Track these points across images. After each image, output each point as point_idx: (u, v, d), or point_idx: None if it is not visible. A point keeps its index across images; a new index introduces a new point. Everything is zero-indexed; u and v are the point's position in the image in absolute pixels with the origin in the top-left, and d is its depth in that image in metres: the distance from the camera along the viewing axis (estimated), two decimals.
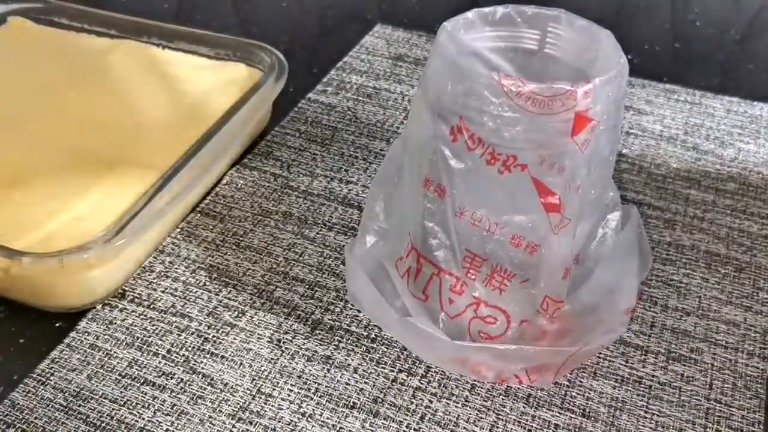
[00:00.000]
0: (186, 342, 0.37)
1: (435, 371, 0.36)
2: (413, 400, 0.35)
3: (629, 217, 0.37)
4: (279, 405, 0.35)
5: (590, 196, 0.33)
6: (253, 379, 0.36)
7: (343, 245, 0.42)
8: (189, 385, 0.35)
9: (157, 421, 0.34)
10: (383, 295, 0.35)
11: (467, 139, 0.30)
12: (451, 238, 0.33)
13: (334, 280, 0.40)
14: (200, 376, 0.36)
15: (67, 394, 0.35)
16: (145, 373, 0.36)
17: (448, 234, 0.33)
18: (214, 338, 0.37)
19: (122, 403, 0.35)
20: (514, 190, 0.31)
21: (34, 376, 0.36)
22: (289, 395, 0.35)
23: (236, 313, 0.39)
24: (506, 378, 0.35)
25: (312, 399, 0.35)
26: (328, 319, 0.38)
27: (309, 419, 0.34)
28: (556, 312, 0.33)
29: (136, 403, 0.35)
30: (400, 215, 0.35)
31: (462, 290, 0.34)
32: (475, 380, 0.35)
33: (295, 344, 0.37)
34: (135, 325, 0.38)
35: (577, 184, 0.31)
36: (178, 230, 0.43)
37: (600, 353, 0.37)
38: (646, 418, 0.34)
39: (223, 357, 0.37)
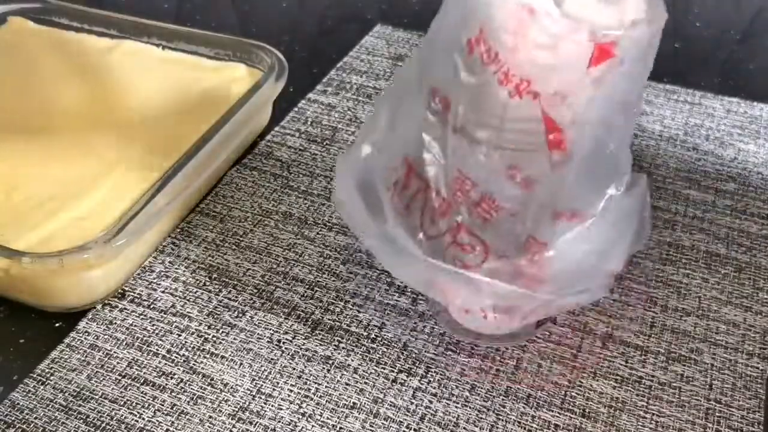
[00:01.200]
0: (186, 342, 0.37)
1: (435, 371, 0.36)
2: (413, 401, 0.35)
3: (636, 184, 0.35)
4: (279, 405, 0.35)
5: (604, 148, 0.31)
6: (253, 380, 0.36)
7: (343, 245, 0.42)
8: (189, 385, 0.35)
9: (157, 421, 0.34)
10: (367, 206, 0.33)
11: (483, 52, 0.29)
12: (445, 154, 0.31)
13: (334, 280, 0.40)
14: (200, 376, 0.36)
15: (67, 394, 0.35)
16: (145, 373, 0.36)
17: (443, 150, 0.31)
18: (214, 338, 0.37)
19: (122, 403, 0.35)
20: (522, 118, 0.29)
21: (34, 376, 0.36)
22: (289, 395, 0.35)
23: (236, 313, 0.39)
24: (472, 309, 0.33)
25: (312, 399, 0.35)
26: (328, 320, 0.38)
27: (309, 419, 0.34)
28: (538, 255, 0.32)
29: (136, 403, 0.35)
30: (400, 127, 0.34)
31: (446, 212, 0.32)
32: (475, 381, 0.35)
33: (295, 344, 0.37)
34: (135, 325, 0.38)
35: (582, 122, 0.29)
36: (178, 230, 0.43)
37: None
38: (646, 418, 0.34)
39: (223, 357, 0.37)
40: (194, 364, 0.36)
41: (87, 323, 0.38)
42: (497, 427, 0.34)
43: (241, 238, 0.43)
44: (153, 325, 0.38)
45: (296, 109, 0.53)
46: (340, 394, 0.35)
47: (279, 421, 0.34)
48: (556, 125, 0.29)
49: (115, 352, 0.37)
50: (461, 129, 0.31)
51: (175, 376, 0.36)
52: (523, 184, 0.31)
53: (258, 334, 0.38)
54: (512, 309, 0.33)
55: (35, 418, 0.34)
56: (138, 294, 0.40)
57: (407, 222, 0.33)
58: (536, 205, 0.31)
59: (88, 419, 0.34)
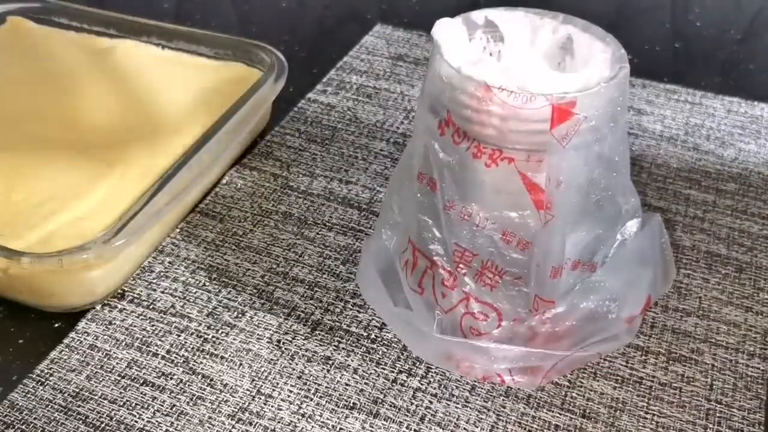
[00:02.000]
0: (185, 342, 0.37)
1: (435, 372, 0.36)
2: (413, 401, 0.35)
3: (648, 226, 0.37)
4: (279, 406, 0.35)
5: (591, 199, 0.33)
6: (253, 380, 0.36)
7: (343, 245, 0.42)
8: (188, 385, 0.35)
9: (157, 421, 0.34)
10: (390, 288, 0.35)
11: (453, 132, 0.31)
12: (442, 231, 0.33)
13: (333, 281, 0.40)
14: (200, 376, 0.36)
15: (66, 395, 0.35)
16: (144, 373, 0.36)
17: (439, 227, 0.33)
18: (214, 339, 0.37)
19: (122, 403, 0.35)
20: (503, 184, 0.31)
21: (34, 376, 0.36)
22: (288, 396, 0.35)
23: (236, 313, 0.39)
24: (490, 376, 0.34)
25: (312, 400, 0.35)
26: (328, 320, 0.38)
27: (309, 420, 0.34)
28: (547, 313, 0.33)
29: (136, 404, 0.35)
30: (403, 212, 0.36)
31: (454, 285, 0.34)
32: (475, 381, 0.35)
33: (295, 345, 0.37)
34: (134, 326, 0.38)
35: (559, 180, 0.30)
36: (178, 230, 0.43)
37: (600, 353, 0.36)
38: (646, 418, 0.34)
39: (222, 357, 0.37)
40: (194, 365, 0.36)
41: (86, 323, 0.38)
42: (497, 428, 0.34)
43: (240, 239, 0.43)
44: (152, 325, 0.38)
45: (296, 108, 0.53)
46: (340, 395, 0.35)
47: (279, 422, 0.34)
48: (538, 186, 0.31)
49: (114, 353, 0.37)
50: (451, 205, 0.32)
51: (175, 377, 0.36)
52: (519, 246, 0.32)
53: (258, 334, 0.38)
54: (533, 369, 0.34)
55: (34, 418, 0.34)
56: (137, 294, 0.40)
57: (424, 299, 0.35)
58: (535, 264, 0.32)
59: (87, 420, 0.34)
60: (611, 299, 0.34)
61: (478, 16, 0.34)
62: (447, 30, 0.32)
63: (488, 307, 0.34)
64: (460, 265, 0.33)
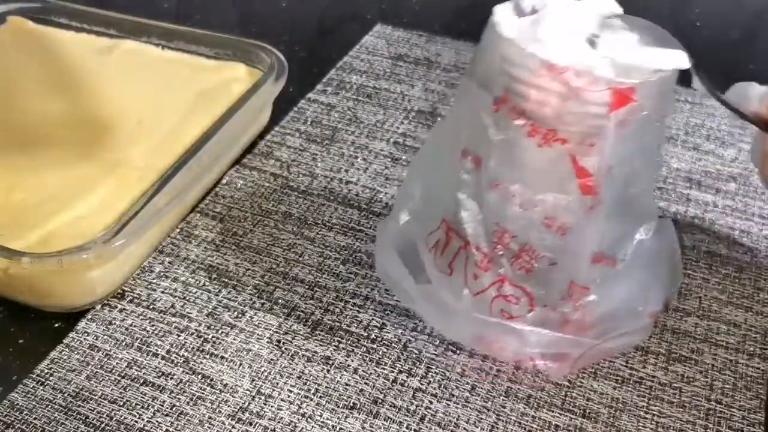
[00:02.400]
0: (185, 342, 0.37)
1: (435, 372, 0.36)
2: (413, 401, 0.35)
3: (662, 229, 0.37)
4: (279, 406, 0.35)
5: (630, 191, 0.32)
6: (253, 380, 0.36)
7: (343, 245, 0.42)
8: (188, 385, 0.35)
9: (157, 421, 0.34)
10: (410, 271, 0.35)
11: (510, 109, 0.30)
12: (482, 211, 0.32)
13: (334, 281, 0.40)
14: (200, 376, 0.36)
15: (66, 395, 0.35)
16: (144, 373, 0.36)
17: (480, 206, 0.33)
18: (214, 339, 0.37)
19: (122, 403, 0.35)
20: (553, 166, 0.31)
21: (34, 376, 0.36)
22: (288, 396, 0.35)
23: (236, 313, 0.39)
24: (522, 359, 0.34)
25: (312, 400, 0.35)
26: (328, 320, 0.38)
27: (309, 420, 0.34)
28: (582, 300, 0.33)
29: (136, 404, 0.35)
30: (436, 192, 0.35)
31: (488, 267, 0.33)
32: (475, 381, 0.35)
33: (295, 345, 0.37)
34: (134, 326, 0.38)
35: (609, 165, 0.30)
36: (178, 230, 0.43)
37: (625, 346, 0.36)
38: (646, 418, 0.34)
39: (222, 357, 0.37)
40: (194, 365, 0.36)
41: (86, 323, 0.38)
42: (497, 428, 0.34)
43: (240, 239, 0.43)
44: (152, 325, 0.38)
45: (296, 108, 0.53)
46: (340, 395, 0.35)
47: (279, 422, 0.34)
48: (586, 171, 0.30)
49: (114, 353, 0.37)
50: (495, 184, 0.32)
51: (175, 377, 0.36)
52: (559, 231, 0.32)
53: (258, 334, 0.38)
54: (562, 356, 0.34)
55: (34, 418, 0.34)
56: (137, 294, 0.40)
57: (450, 281, 0.34)
58: (573, 250, 0.32)
59: (87, 420, 0.34)
60: (636, 293, 0.34)
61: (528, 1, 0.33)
62: (505, 11, 0.32)
63: (521, 291, 0.33)
64: (498, 246, 0.33)
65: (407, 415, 0.34)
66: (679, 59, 0.30)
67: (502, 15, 0.32)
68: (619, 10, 0.33)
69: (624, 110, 0.29)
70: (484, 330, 0.34)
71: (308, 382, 0.35)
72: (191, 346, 0.37)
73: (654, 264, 0.35)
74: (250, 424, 0.34)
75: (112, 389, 0.35)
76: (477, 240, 0.33)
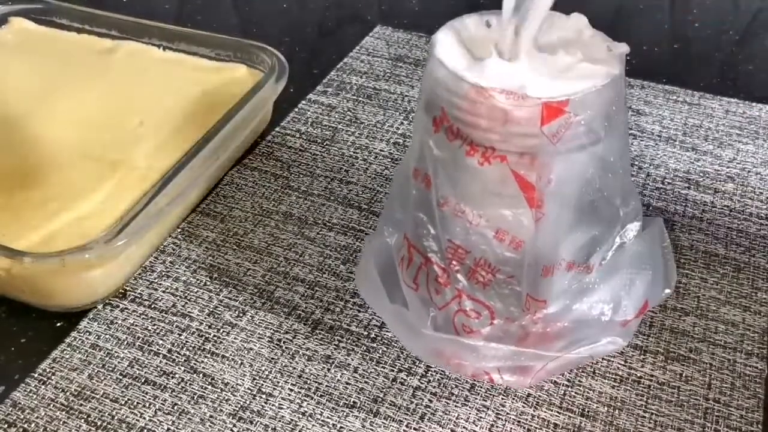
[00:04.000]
0: (187, 341, 0.37)
1: (435, 371, 0.36)
2: (413, 400, 0.35)
3: (648, 228, 0.37)
4: (279, 404, 0.35)
5: (586, 199, 0.33)
6: (254, 379, 0.36)
7: (343, 245, 0.42)
8: (190, 384, 0.36)
9: (158, 420, 0.34)
10: (388, 285, 0.35)
11: (447, 129, 0.31)
12: (436, 227, 0.33)
13: (334, 280, 0.40)
14: (201, 375, 0.36)
15: (68, 394, 0.35)
16: (146, 372, 0.36)
17: (433, 224, 0.33)
18: (215, 338, 0.38)
19: (123, 402, 0.35)
20: (497, 182, 0.31)
21: (36, 375, 0.36)
22: (289, 395, 0.35)
23: (237, 312, 0.39)
24: (479, 375, 0.34)
25: (312, 398, 0.35)
26: (329, 319, 0.38)
27: (309, 418, 0.34)
28: (539, 313, 0.33)
29: (137, 403, 0.35)
30: (403, 206, 0.36)
31: (447, 282, 0.34)
32: (475, 380, 0.36)
33: (296, 344, 0.37)
34: (136, 325, 0.38)
35: (550, 178, 0.31)
36: (179, 230, 0.43)
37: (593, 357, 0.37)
38: (645, 417, 0.34)
39: (223, 356, 0.37)
40: (195, 364, 0.36)
41: (88, 323, 0.38)
42: (497, 426, 0.34)
43: (241, 238, 0.43)
44: (154, 324, 0.38)
45: (296, 109, 0.53)
46: (340, 394, 0.35)
47: (279, 420, 0.34)
48: (531, 185, 0.31)
49: (116, 352, 0.37)
50: (443, 202, 0.32)
51: (176, 376, 0.36)
52: (512, 245, 0.32)
53: (258, 333, 0.38)
54: (523, 369, 0.34)
55: (37, 417, 0.34)
56: (139, 294, 0.40)
57: (419, 295, 0.35)
58: (527, 264, 0.32)
59: (89, 418, 0.34)
60: (605, 302, 0.34)
61: (476, 18, 0.34)
62: (446, 32, 0.33)
63: (480, 305, 0.34)
64: (453, 262, 0.33)
65: (407, 414, 0.34)
66: (610, 69, 0.31)
67: (443, 35, 0.32)
68: (581, 20, 0.34)
69: (556, 123, 0.30)
70: (441, 346, 0.34)
71: (309, 381, 0.36)
72: (192, 345, 0.37)
73: (634, 268, 0.35)
74: (251, 422, 0.34)
75: (113, 388, 0.35)
76: (435, 256, 0.34)
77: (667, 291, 0.37)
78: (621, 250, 0.35)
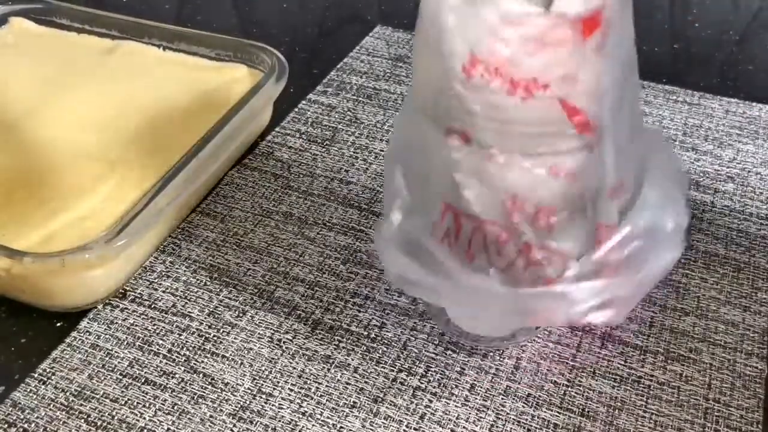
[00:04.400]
0: (187, 341, 0.37)
1: (435, 371, 0.36)
2: (413, 400, 0.35)
3: (656, 137, 0.35)
4: (279, 404, 0.35)
5: (624, 111, 0.31)
6: (254, 379, 0.36)
7: (343, 245, 0.42)
8: (190, 384, 0.36)
9: (158, 420, 0.34)
10: (425, 270, 0.33)
11: (482, 72, 0.29)
12: (485, 184, 0.31)
13: (334, 280, 0.40)
14: (201, 375, 0.36)
15: (68, 394, 0.35)
16: (146, 372, 0.36)
17: (481, 181, 0.31)
18: (215, 338, 0.38)
19: (123, 402, 0.35)
20: (542, 116, 0.29)
21: (36, 375, 0.36)
22: (289, 395, 0.35)
23: (237, 312, 0.39)
24: (575, 320, 0.32)
25: (312, 398, 0.35)
26: (329, 319, 0.39)
27: (309, 418, 0.34)
28: (612, 238, 0.31)
29: (137, 403, 0.35)
30: (425, 179, 0.33)
31: (509, 238, 0.31)
32: (474, 380, 0.36)
33: (296, 344, 0.37)
34: (136, 325, 0.38)
35: (602, 94, 0.29)
36: (179, 230, 0.43)
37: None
38: (644, 417, 0.34)
39: (223, 356, 0.37)
40: (195, 364, 0.36)
41: (88, 323, 0.38)
42: (497, 426, 0.34)
43: (241, 238, 0.43)
44: (154, 324, 0.38)
45: (297, 109, 0.53)
46: (340, 394, 0.35)
47: (279, 421, 0.34)
48: (577, 108, 0.29)
49: (116, 352, 0.37)
50: (491, 153, 0.30)
51: (176, 376, 0.36)
52: (568, 178, 0.30)
53: (258, 333, 0.38)
54: (611, 302, 0.32)
55: (37, 417, 0.34)
56: (139, 294, 0.40)
57: (475, 266, 0.33)
58: (589, 192, 0.31)
59: (89, 419, 0.34)
60: (663, 210, 0.33)
61: None
62: None
63: (551, 251, 0.32)
64: (514, 214, 0.31)
65: (407, 414, 0.34)
66: None
67: None
68: None
69: (596, 34, 0.28)
70: (527, 303, 0.32)
71: (309, 381, 0.36)
72: (192, 345, 0.37)
73: (663, 174, 0.34)
74: (251, 422, 0.34)
75: (113, 388, 0.35)
76: (489, 215, 0.31)
77: (685, 190, 0.35)
78: (642, 161, 0.34)
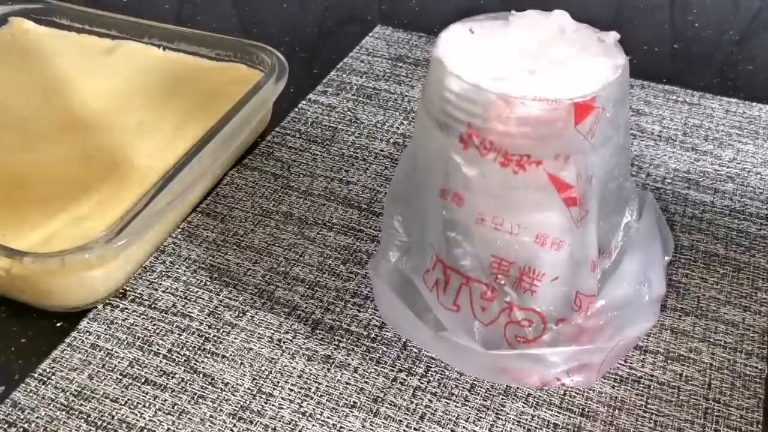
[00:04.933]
0: (187, 342, 0.37)
1: (435, 371, 0.36)
2: (413, 400, 0.35)
3: (645, 203, 0.37)
4: (279, 404, 0.35)
5: (611, 187, 0.32)
6: (254, 379, 0.36)
7: (343, 245, 0.42)
8: (190, 384, 0.36)
9: (158, 420, 0.34)
10: (414, 310, 0.35)
11: (478, 145, 0.31)
12: (475, 245, 0.33)
13: (334, 280, 0.40)
14: (201, 375, 0.36)
15: (68, 394, 0.35)
16: (146, 372, 0.36)
17: (471, 242, 0.33)
18: (215, 338, 0.38)
19: (123, 402, 0.35)
20: (532, 187, 0.31)
21: (36, 375, 0.36)
22: (289, 395, 0.35)
23: (237, 312, 0.39)
24: (548, 381, 0.35)
25: (312, 398, 0.35)
26: (328, 319, 0.38)
27: (309, 418, 0.34)
28: (590, 307, 0.33)
29: (137, 403, 0.35)
30: (421, 228, 0.35)
31: (493, 297, 0.34)
32: (474, 380, 0.36)
33: (296, 344, 0.37)
34: (136, 325, 0.38)
35: (590, 175, 0.31)
36: (179, 230, 0.43)
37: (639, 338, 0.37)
38: (645, 417, 0.34)
39: (223, 356, 0.37)
40: (195, 364, 0.36)
41: (88, 323, 0.38)
42: (497, 426, 0.34)
43: (241, 238, 0.43)
44: (154, 324, 0.38)
45: (296, 109, 0.53)
46: (340, 393, 0.35)
47: (279, 420, 0.34)
48: (567, 184, 0.31)
49: (116, 352, 0.37)
50: (481, 218, 0.32)
51: (176, 376, 0.36)
52: (554, 247, 0.32)
53: (258, 333, 0.38)
54: (585, 367, 0.34)
55: (37, 417, 0.34)
56: (139, 294, 0.40)
57: (460, 316, 0.34)
58: (573, 261, 0.32)
59: (89, 418, 0.34)
60: (641, 282, 0.35)
61: (460, 27, 0.34)
62: (445, 45, 0.32)
63: (531, 312, 0.34)
64: (499, 276, 0.33)
65: (407, 414, 0.34)
66: (616, 60, 0.32)
67: (445, 50, 0.32)
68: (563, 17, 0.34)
69: (588, 120, 0.30)
70: (504, 362, 0.34)
71: (309, 381, 0.36)
72: (192, 345, 0.37)
73: (645, 244, 0.36)
74: (251, 422, 0.34)
75: (113, 388, 0.35)
76: (476, 274, 0.33)
77: (667, 258, 0.38)
78: (627, 229, 0.35)
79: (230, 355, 0.37)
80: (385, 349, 0.37)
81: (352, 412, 0.34)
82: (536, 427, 0.34)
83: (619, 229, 0.35)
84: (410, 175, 0.35)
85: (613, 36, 0.33)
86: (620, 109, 0.31)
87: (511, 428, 0.34)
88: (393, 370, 0.36)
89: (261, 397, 0.35)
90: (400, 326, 0.37)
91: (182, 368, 0.36)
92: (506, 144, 0.30)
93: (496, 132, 0.30)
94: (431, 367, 0.36)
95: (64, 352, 0.37)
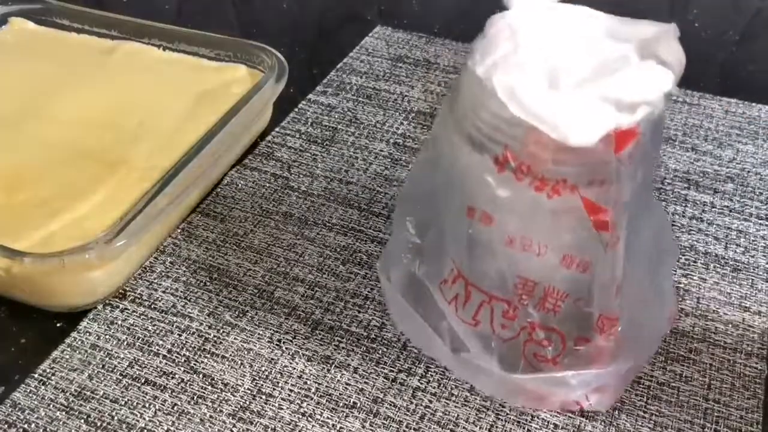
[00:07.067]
0: (187, 342, 0.37)
1: (434, 371, 0.36)
2: (413, 400, 0.35)
3: (652, 213, 0.36)
4: (279, 405, 0.35)
5: (641, 207, 0.32)
6: (254, 379, 0.36)
7: (343, 245, 0.42)
8: (189, 384, 0.36)
9: (158, 420, 0.34)
10: (427, 317, 0.35)
11: (515, 169, 0.30)
12: (501, 265, 0.32)
13: (334, 281, 0.40)
14: (201, 376, 0.36)
15: (68, 394, 0.35)
16: (145, 373, 0.36)
17: (497, 261, 0.32)
18: (215, 338, 0.38)
19: (123, 402, 0.35)
20: (564, 211, 0.30)
21: (36, 375, 0.36)
22: (289, 395, 0.35)
23: (237, 313, 0.39)
24: (567, 405, 0.34)
25: (312, 399, 0.35)
26: (328, 320, 0.39)
27: (309, 419, 0.34)
28: (613, 329, 0.33)
29: (137, 403, 0.35)
30: (438, 236, 0.35)
31: (515, 315, 0.33)
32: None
33: (296, 344, 0.37)
34: (136, 325, 0.38)
35: (624, 200, 0.30)
36: (179, 230, 0.43)
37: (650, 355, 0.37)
38: (644, 417, 0.34)
39: (223, 357, 0.37)
40: (195, 364, 0.36)
41: (88, 323, 0.38)
42: (496, 427, 0.34)
43: (241, 239, 0.43)
44: (154, 325, 0.38)
45: (296, 109, 0.53)
46: (340, 394, 0.35)
47: (279, 421, 0.34)
48: (599, 207, 0.30)
49: (116, 352, 0.37)
50: (510, 239, 0.31)
51: (176, 376, 0.36)
52: (579, 268, 0.32)
53: (258, 334, 0.38)
54: (602, 388, 0.34)
55: (36, 417, 0.34)
56: (139, 294, 0.40)
57: (477, 332, 0.34)
58: (599, 284, 0.32)
59: (89, 419, 0.34)
60: (655, 303, 0.35)
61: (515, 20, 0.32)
62: (489, 47, 0.30)
63: (552, 332, 0.33)
64: (523, 296, 0.33)
65: (407, 414, 0.34)
66: (665, 78, 0.31)
67: (481, 65, 0.30)
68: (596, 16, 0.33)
69: (629, 146, 0.29)
70: (525, 385, 0.34)
71: (308, 382, 0.36)
72: (192, 345, 0.37)
73: (654, 259, 0.35)
74: (251, 423, 0.34)
75: (113, 388, 0.35)
76: (500, 292, 0.33)
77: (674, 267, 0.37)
78: (640, 243, 0.34)
79: (230, 355, 0.37)
80: (384, 349, 0.37)
81: (351, 412, 0.35)
82: (536, 427, 0.34)
83: (644, 258, 0.34)
84: (428, 180, 0.34)
85: (673, 29, 0.31)
86: (655, 136, 0.31)
87: (511, 428, 0.34)
88: (393, 371, 0.36)
89: (261, 398, 0.35)
90: (414, 337, 0.37)
91: (182, 368, 0.36)
92: (543, 169, 0.29)
93: (535, 157, 0.29)
94: (431, 368, 0.36)
95: (64, 352, 0.37)
